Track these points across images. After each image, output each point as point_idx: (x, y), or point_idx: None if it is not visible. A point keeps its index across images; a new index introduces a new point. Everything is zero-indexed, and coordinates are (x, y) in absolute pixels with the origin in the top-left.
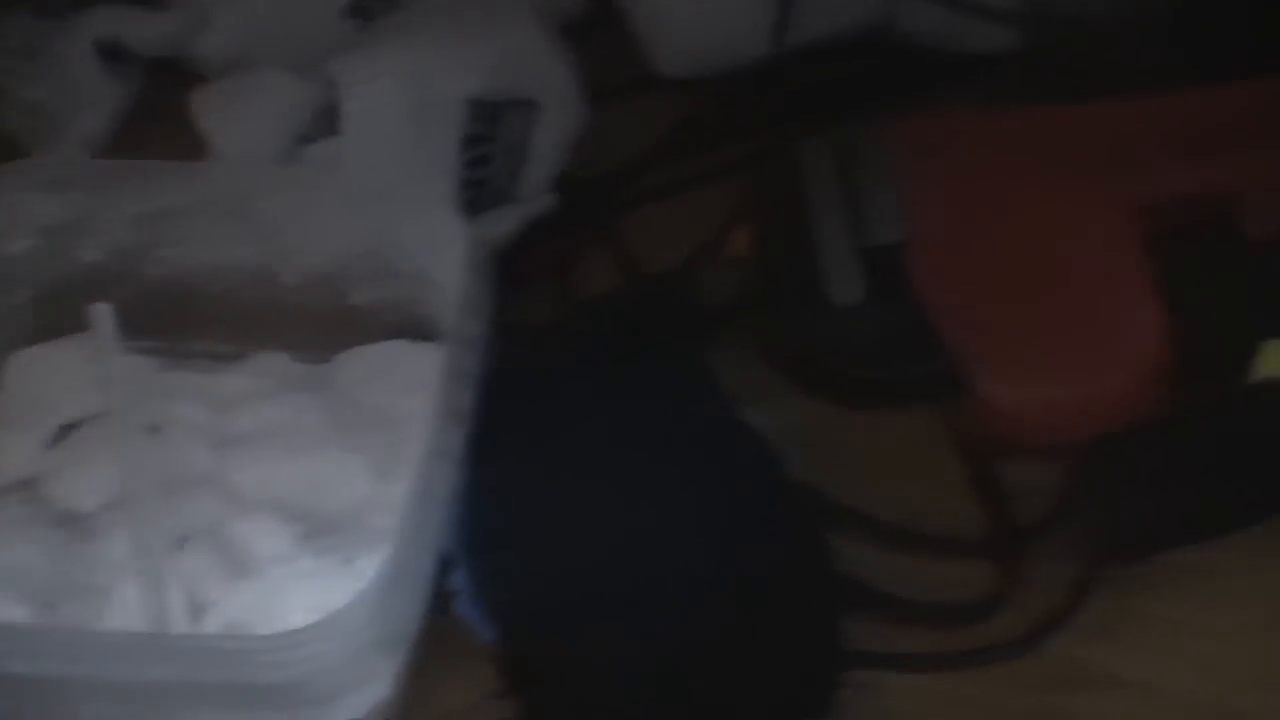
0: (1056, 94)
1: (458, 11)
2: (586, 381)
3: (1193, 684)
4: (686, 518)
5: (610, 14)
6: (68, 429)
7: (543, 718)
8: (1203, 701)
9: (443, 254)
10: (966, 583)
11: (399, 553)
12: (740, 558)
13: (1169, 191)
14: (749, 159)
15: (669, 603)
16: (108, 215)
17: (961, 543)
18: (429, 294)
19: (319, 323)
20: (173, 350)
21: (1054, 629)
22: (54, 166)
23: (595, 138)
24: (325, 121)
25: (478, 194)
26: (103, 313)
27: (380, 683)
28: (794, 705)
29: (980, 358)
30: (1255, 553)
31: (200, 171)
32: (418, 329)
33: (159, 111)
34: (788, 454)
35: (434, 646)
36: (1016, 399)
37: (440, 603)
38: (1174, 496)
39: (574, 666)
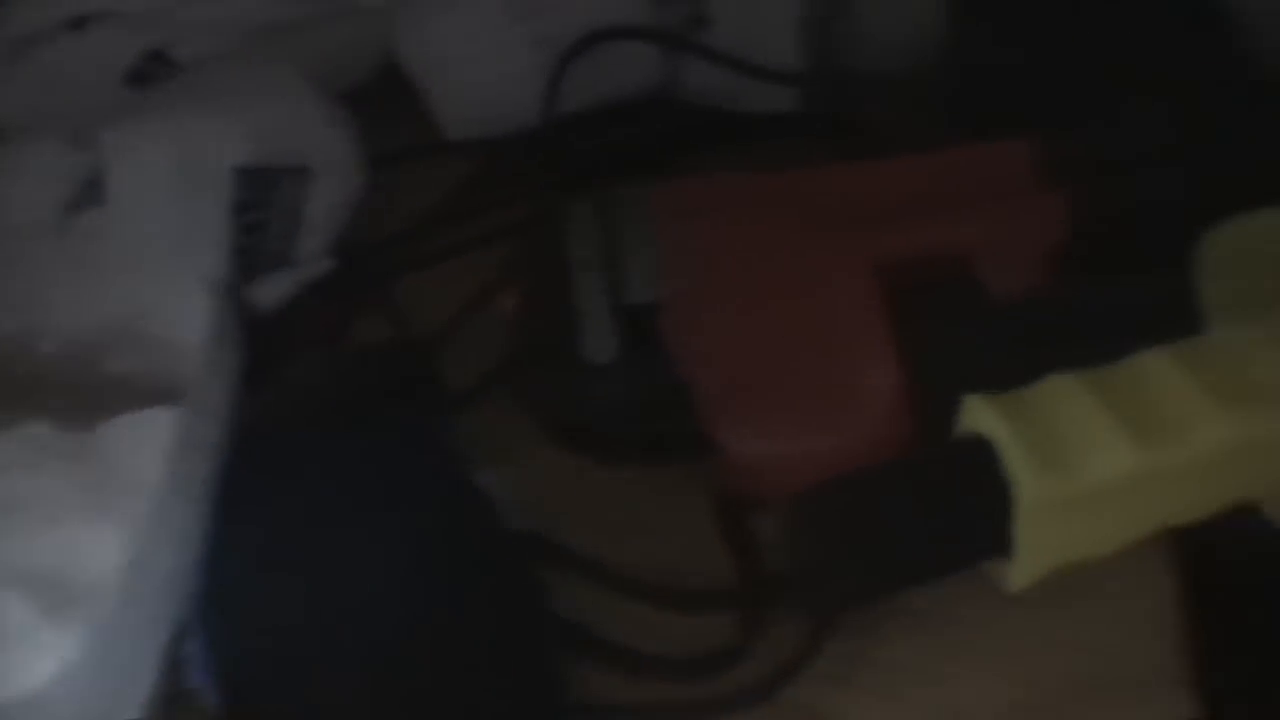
0: (835, 152)
1: (228, 80)
2: (319, 443)
3: None
4: (401, 575)
5: (400, 77)
6: None
7: None
8: None
9: (191, 321)
10: (718, 635)
11: (104, 628)
12: (455, 611)
13: (910, 249)
14: (525, 221)
15: (386, 659)
16: None
17: (704, 595)
18: (181, 362)
19: (79, 392)
20: None
21: (788, 678)
22: None
23: (385, 200)
24: (95, 190)
25: (252, 260)
26: None
27: None
28: None
29: (724, 414)
30: (991, 598)
31: None
32: (172, 397)
33: None
34: (511, 509)
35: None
36: (758, 454)
37: (175, 673)
38: (881, 545)
39: None
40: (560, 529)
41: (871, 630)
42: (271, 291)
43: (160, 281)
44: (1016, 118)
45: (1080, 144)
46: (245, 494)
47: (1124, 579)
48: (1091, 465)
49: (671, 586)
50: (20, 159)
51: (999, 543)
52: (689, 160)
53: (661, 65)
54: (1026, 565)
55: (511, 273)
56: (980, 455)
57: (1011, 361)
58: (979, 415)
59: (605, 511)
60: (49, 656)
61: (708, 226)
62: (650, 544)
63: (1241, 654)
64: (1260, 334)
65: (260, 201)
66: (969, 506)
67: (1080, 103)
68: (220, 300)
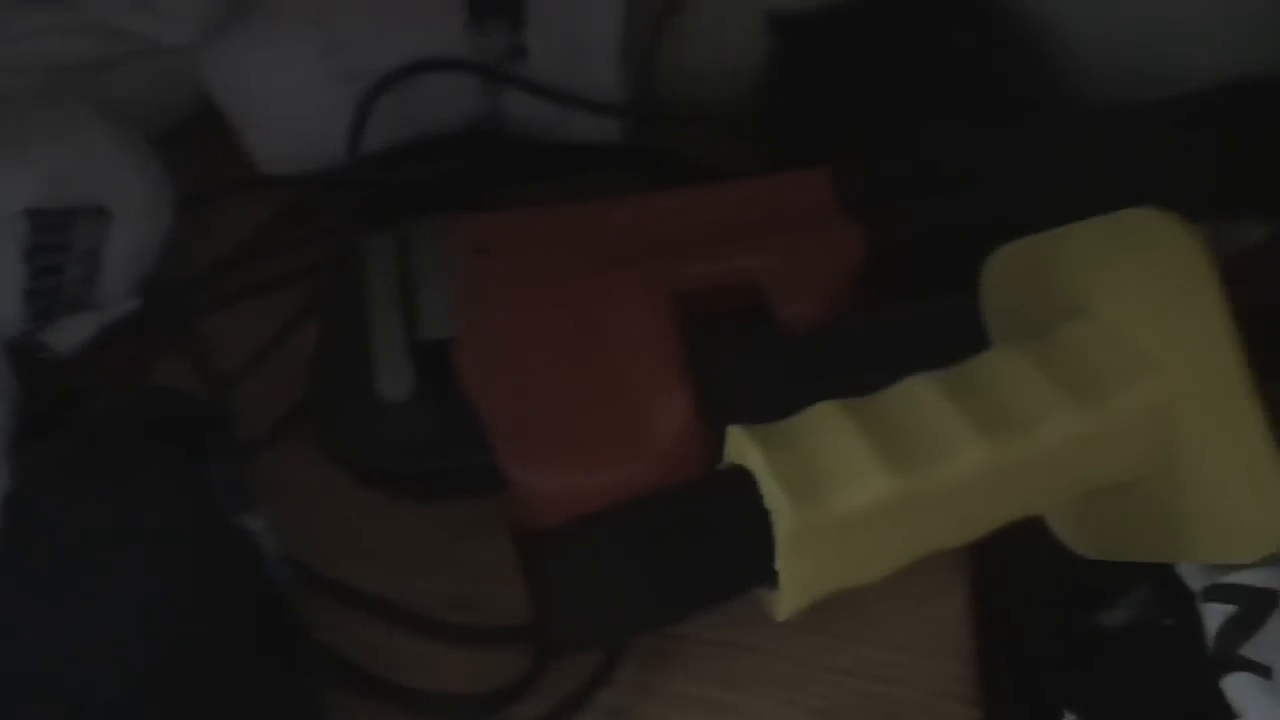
0: (656, 182)
1: (20, 121)
2: (67, 496)
3: None
4: (129, 628)
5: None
6: None
7: None
8: None
9: None
10: (513, 669)
11: None
12: (191, 662)
13: (704, 279)
14: (328, 257)
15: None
16: None
17: (495, 629)
18: None
19: None
20: None
21: (572, 712)
22: None
23: (201, 237)
24: None
25: (50, 303)
26: None
27: None
28: None
29: (515, 448)
30: (782, 626)
31: None
32: None
33: None
34: (279, 553)
35: None
36: (548, 487)
37: None
38: (627, 581)
39: None
40: (356, 567)
41: (661, 661)
42: (71, 334)
43: None
44: (832, 145)
45: (877, 171)
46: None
47: (918, 600)
48: (849, 493)
49: (463, 623)
50: None
51: (761, 572)
52: (511, 192)
53: (481, 97)
54: (792, 593)
55: (312, 309)
56: (739, 485)
57: (802, 389)
58: (739, 445)
59: (402, 548)
60: None
61: (502, 260)
62: (447, 580)
63: (1023, 671)
64: (1020, 357)
65: (55, 244)
66: (728, 537)
67: (888, 130)
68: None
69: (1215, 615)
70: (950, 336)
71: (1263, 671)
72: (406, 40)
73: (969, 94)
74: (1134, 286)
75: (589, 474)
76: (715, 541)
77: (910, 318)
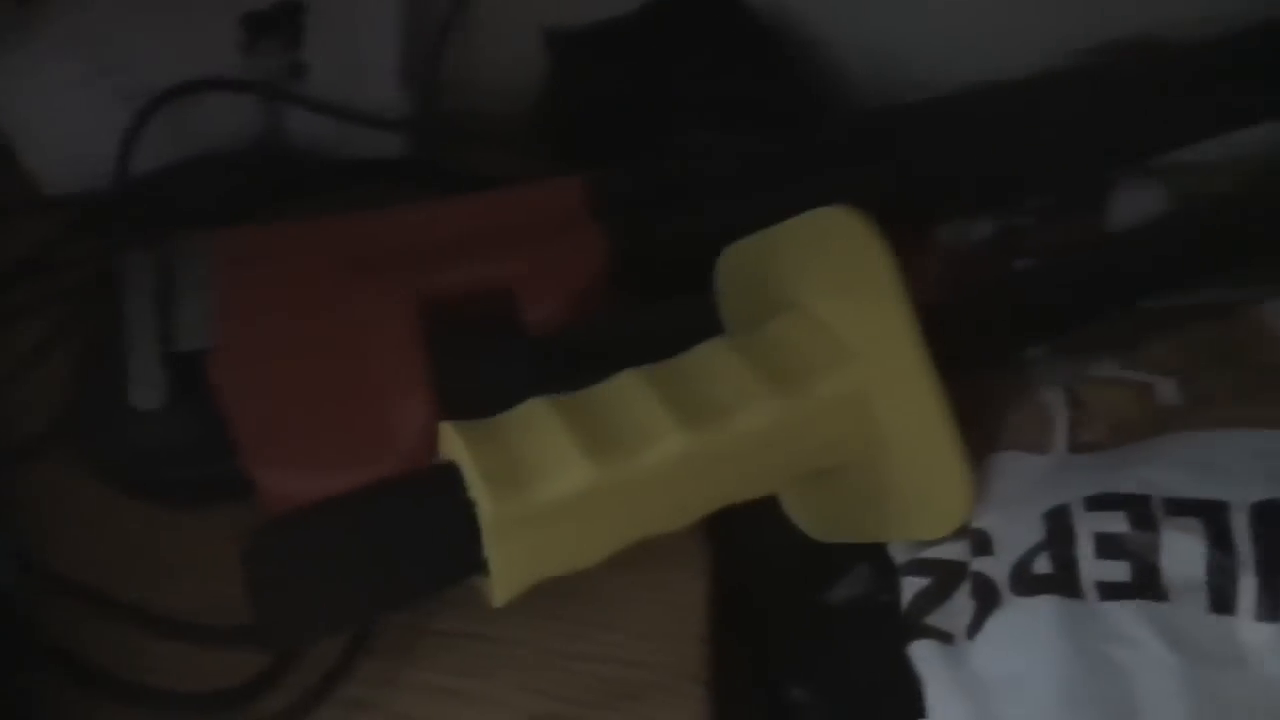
0: (439, 194)
1: None
2: None
3: None
4: None
5: None
6: None
7: None
8: None
9: None
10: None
11: None
12: None
13: (454, 286)
14: (94, 274)
15: None
16: None
17: (240, 629)
18: None
19: None
20: None
21: (313, 706)
22: None
23: None
24: None
25: None
26: None
27: None
28: None
29: (260, 454)
30: (522, 615)
31: None
32: None
33: None
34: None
35: None
36: (290, 492)
37: None
38: (336, 574)
39: None
40: (113, 573)
41: (403, 653)
42: None
43: None
44: (606, 154)
45: (627, 179)
46: None
47: (658, 584)
48: (550, 483)
49: (212, 624)
50: None
51: (474, 561)
52: (293, 208)
53: (261, 114)
54: (503, 581)
55: (75, 324)
56: (447, 478)
57: (543, 389)
58: (448, 440)
59: (158, 554)
60: None
61: (259, 272)
62: (201, 584)
63: (756, 649)
64: (727, 350)
65: None
66: (437, 528)
67: (657, 137)
68: None
69: (911, 588)
70: (690, 335)
71: (945, 638)
72: (183, 59)
73: (733, 105)
74: (831, 281)
75: (330, 476)
76: (424, 532)
77: (651, 318)
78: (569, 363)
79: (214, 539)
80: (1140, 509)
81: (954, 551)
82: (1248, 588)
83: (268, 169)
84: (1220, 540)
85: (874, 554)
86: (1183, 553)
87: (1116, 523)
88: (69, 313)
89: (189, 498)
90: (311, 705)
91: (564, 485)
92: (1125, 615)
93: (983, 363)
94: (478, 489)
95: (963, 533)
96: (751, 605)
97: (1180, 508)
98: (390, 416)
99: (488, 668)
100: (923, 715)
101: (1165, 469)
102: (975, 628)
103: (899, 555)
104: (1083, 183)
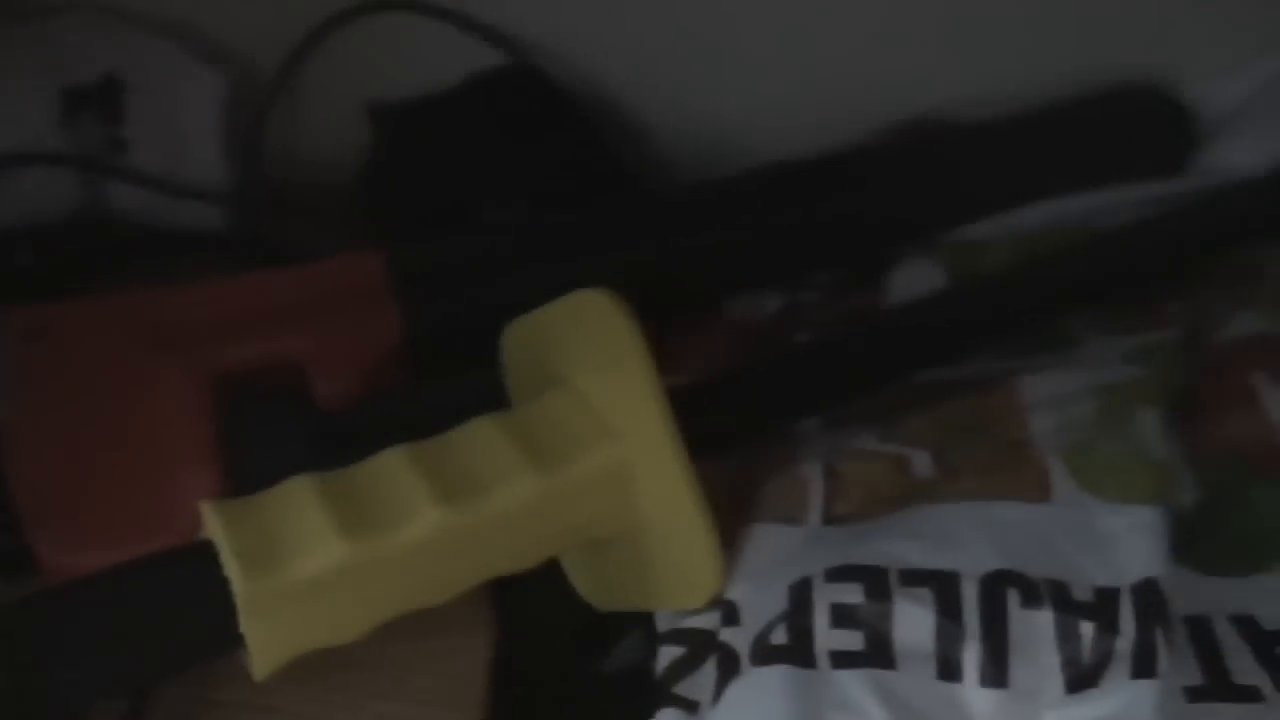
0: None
1: None
2: None
3: None
4: None
5: None
6: None
7: None
8: None
9: None
10: None
11: None
12: None
13: (247, 362)
14: None
15: None
16: None
17: None
18: None
19: None
20: None
21: None
22: None
23: None
24: None
25: None
26: None
27: None
28: None
29: (43, 528)
30: (304, 688)
31: None
32: None
33: None
34: None
35: None
36: (74, 566)
37: None
38: (97, 645)
39: None
40: None
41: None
42: None
43: None
44: (426, 227)
45: (426, 255)
46: None
47: (441, 654)
48: (302, 560)
49: None
50: None
51: (232, 636)
52: (114, 281)
53: (81, 188)
54: (261, 654)
55: None
56: (204, 555)
57: (326, 463)
58: (208, 518)
59: None
60: None
61: (56, 348)
62: None
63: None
64: (493, 425)
65: None
66: (195, 602)
67: (470, 212)
68: None
69: (666, 656)
70: (476, 410)
71: (690, 706)
72: (2, 132)
73: (545, 181)
74: (591, 360)
75: (113, 552)
76: (182, 608)
77: (441, 393)
78: (353, 438)
79: None
80: (877, 580)
81: (707, 622)
82: (972, 655)
83: (88, 241)
84: (949, 610)
85: (650, 623)
86: (913, 622)
87: (853, 594)
88: None
89: None
90: None
91: (317, 562)
92: (854, 683)
93: (749, 437)
94: (230, 567)
95: (716, 603)
96: (527, 674)
97: (914, 578)
98: (178, 492)
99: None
100: None
101: (904, 540)
102: (716, 696)
103: (661, 624)
104: (866, 259)
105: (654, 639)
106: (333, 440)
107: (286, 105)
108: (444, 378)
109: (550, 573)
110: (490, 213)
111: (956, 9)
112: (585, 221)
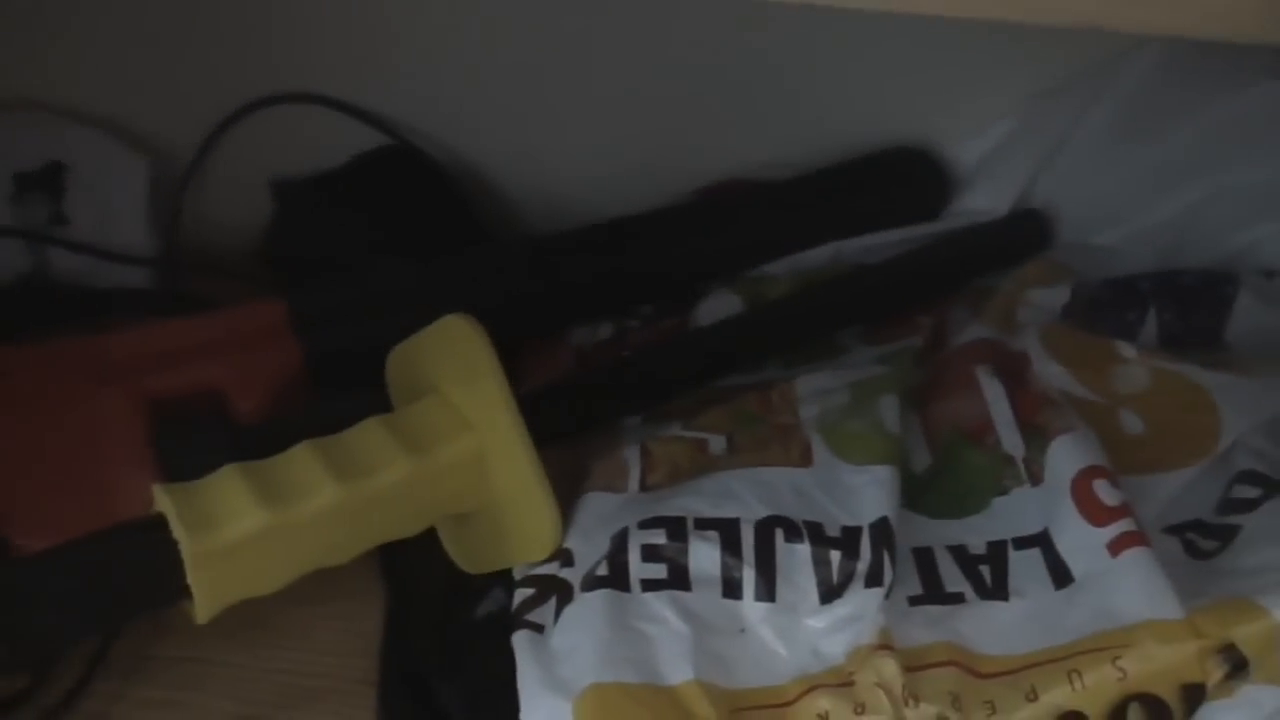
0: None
1: None
2: None
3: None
4: None
5: None
6: None
7: None
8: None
9: None
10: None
11: None
12: None
13: (175, 388)
14: None
15: None
16: None
17: None
18: None
19: None
20: None
21: (60, 716)
22: None
23: None
24: None
25: None
26: None
27: None
28: None
29: (12, 522)
30: (228, 642)
31: None
32: None
33: None
34: None
35: None
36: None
37: None
38: (63, 601)
39: None
40: None
41: (131, 673)
42: None
43: None
44: (316, 280)
45: (320, 299)
46: None
47: (341, 610)
48: (233, 525)
49: None
50: None
51: (179, 588)
52: (56, 330)
53: (27, 254)
54: (203, 602)
55: None
56: (158, 525)
57: None
58: (159, 497)
59: None
60: None
61: (13, 382)
62: None
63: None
64: (379, 425)
65: None
66: (149, 562)
67: (356, 266)
68: None
69: (520, 595)
70: (365, 417)
71: (538, 629)
72: None
73: (417, 240)
74: (454, 371)
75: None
76: (139, 566)
77: (335, 406)
78: (266, 446)
79: None
80: (677, 526)
81: (550, 568)
82: (749, 578)
83: (32, 299)
84: (731, 546)
85: (507, 579)
86: (704, 556)
87: (659, 537)
88: None
89: None
90: (59, 715)
91: (245, 527)
92: (658, 601)
93: (579, 430)
94: (179, 531)
95: (556, 554)
96: (412, 626)
97: (705, 524)
98: (120, 493)
99: (203, 683)
100: None
101: (698, 497)
102: (556, 618)
103: (516, 574)
104: (679, 294)
105: (511, 588)
106: (249, 448)
107: (201, 182)
108: (336, 394)
109: (428, 545)
110: (372, 266)
111: (751, 89)
112: (450, 268)
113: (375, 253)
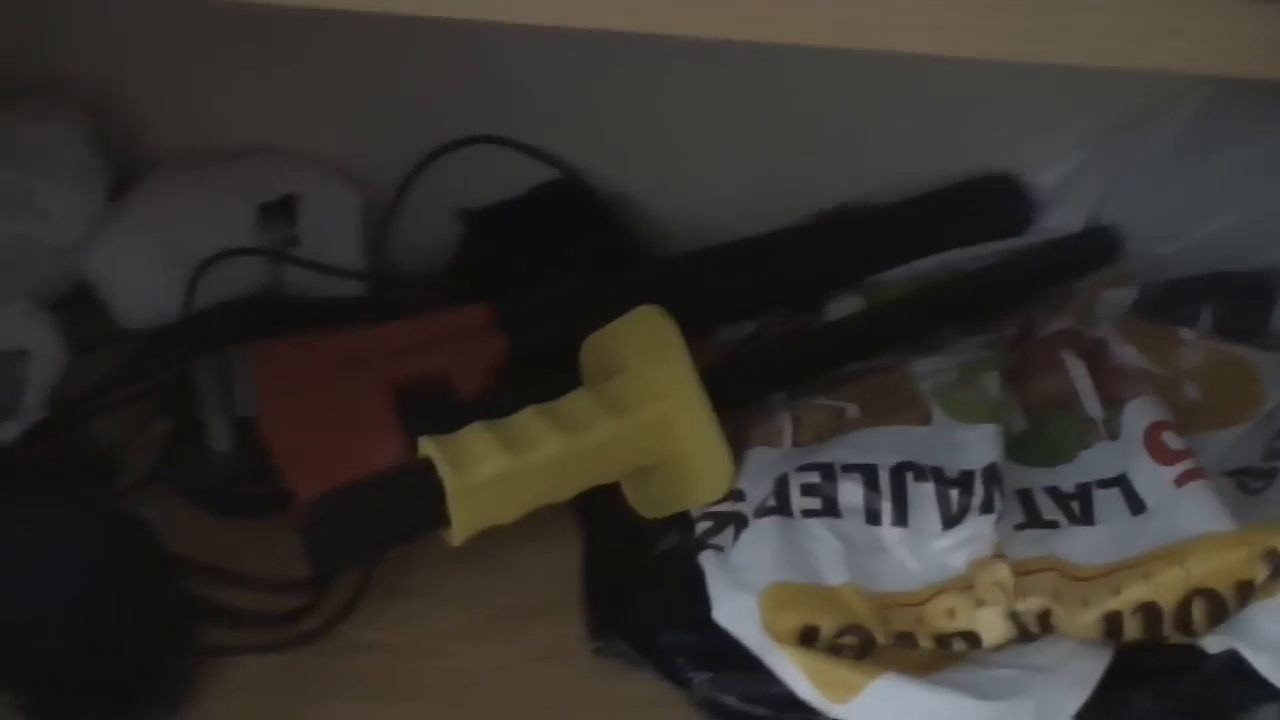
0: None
1: None
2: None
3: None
4: (65, 572)
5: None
6: None
7: None
8: None
9: None
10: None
11: None
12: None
13: (411, 373)
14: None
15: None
16: None
17: (294, 580)
18: None
19: None
20: None
21: (340, 622)
22: None
23: (84, 367)
24: None
25: None
26: None
27: None
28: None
29: (293, 474)
30: (463, 576)
31: None
32: None
33: None
34: (160, 534)
35: None
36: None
37: None
38: (364, 527)
39: None
40: (199, 551)
41: (386, 593)
42: (5, 434)
43: None
44: (502, 291)
45: (520, 304)
46: None
47: (544, 549)
48: (484, 468)
49: (272, 575)
50: None
51: (441, 516)
52: (291, 332)
53: (269, 270)
54: (460, 528)
55: (164, 409)
56: (427, 466)
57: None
58: (426, 446)
59: (226, 542)
60: None
61: (287, 368)
62: (257, 557)
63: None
64: (586, 394)
65: None
66: (420, 495)
67: (536, 279)
68: None
69: (701, 527)
70: (562, 393)
71: (719, 549)
72: (216, 236)
73: (582, 258)
74: (646, 351)
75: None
76: (411, 498)
77: (537, 387)
78: (484, 416)
79: (264, 535)
80: (828, 470)
81: (725, 505)
82: (887, 510)
83: (272, 305)
84: (871, 484)
85: (683, 522)
86: (850, 493)
87: (814, 478)
88: (156, 401)
89: (248, 509)
90: (336, 623)
91: (492, 469)
92: (817, 525)
93: (744, 402)
94: (444, 471)
95: (729, 495)
96: (606, 563)
97: (850, 469)
98: (376, 450)
99: (439, 601)
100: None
101: (843, 449)
102: (734, 541)
103: (694, 513)
104: (810, 298)
105: (687, 532)
106: (470, 420)
107: (402, 211)
108: (538, 378)
109: (614, 495)
110: (550, 279)
111: (855, 128)
112: (621, 280)
113: (546, 269)
